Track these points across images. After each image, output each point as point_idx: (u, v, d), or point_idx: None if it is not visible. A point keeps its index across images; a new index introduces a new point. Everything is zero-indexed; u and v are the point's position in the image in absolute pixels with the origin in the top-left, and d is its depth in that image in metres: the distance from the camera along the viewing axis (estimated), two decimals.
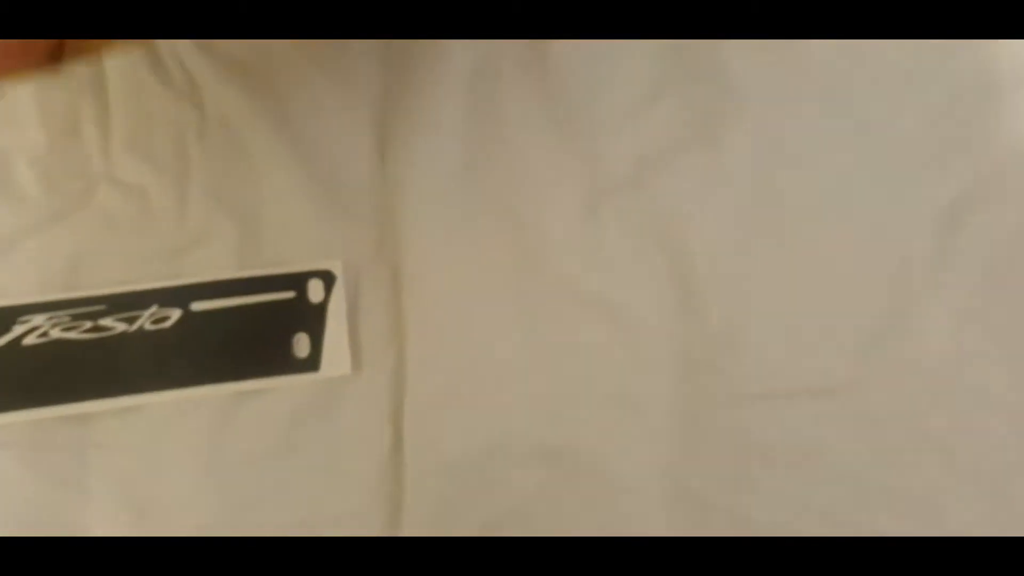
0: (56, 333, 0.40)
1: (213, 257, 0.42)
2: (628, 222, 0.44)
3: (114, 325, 0.40)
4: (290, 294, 0.42)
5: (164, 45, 0.45)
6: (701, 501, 0.40)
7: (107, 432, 0.40)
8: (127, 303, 0.41)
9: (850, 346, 0.42)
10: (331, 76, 0.45)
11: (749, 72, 0.45)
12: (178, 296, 0.41)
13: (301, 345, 0.40)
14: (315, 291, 0.42)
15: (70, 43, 0.34)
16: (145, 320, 0.41)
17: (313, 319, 0.41)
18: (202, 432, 0.40)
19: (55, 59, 0.35)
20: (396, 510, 0.40)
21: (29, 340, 0.40)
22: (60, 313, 0.41)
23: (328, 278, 0.42)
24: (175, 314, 0.41)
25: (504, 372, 0.42)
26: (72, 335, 0.40)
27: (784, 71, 0.45)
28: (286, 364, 0.40)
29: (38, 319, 0.40)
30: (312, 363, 0.40)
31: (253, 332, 0.41)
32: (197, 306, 0.41)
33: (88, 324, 0.40)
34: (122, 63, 0.44)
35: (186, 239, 0.43)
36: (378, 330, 0.42)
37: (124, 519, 0.39)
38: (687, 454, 0.41)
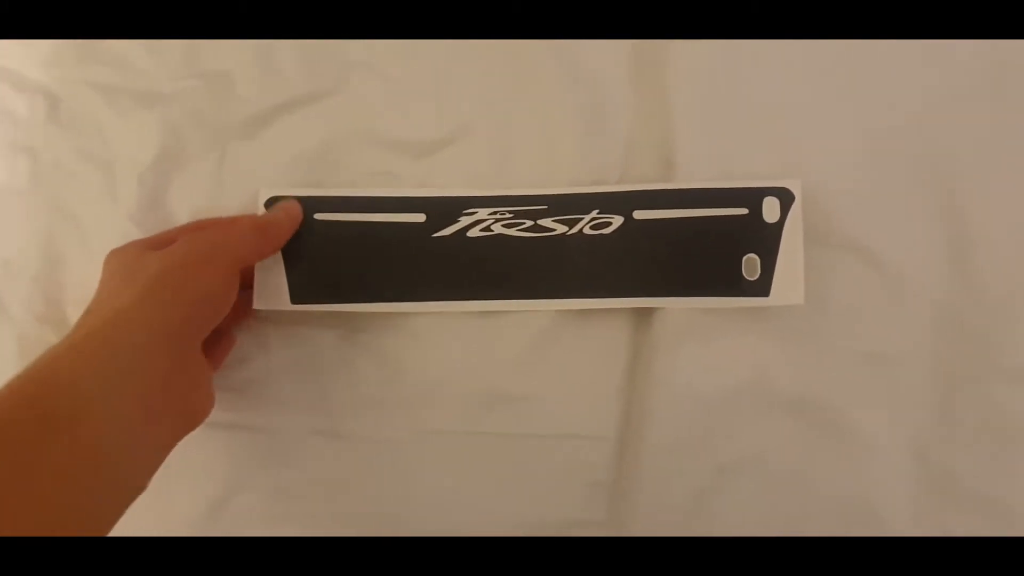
0: (498, 228, 0.40)
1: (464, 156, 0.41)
2: (904, 170, 0.39)
3: (554, 226, 0.40)
4: (743, 211, 0.38)
5: None
6: (952, 479, 0.39)
7: None
8: (568, 205, 0.39)
9: None
10: None
11: None
12: (621, 202, 0.39)
13: (751, 267, 0.38)
14: (770, 210, 0.38)
15: None
16: (585, 224, 0.39)
17: (766, 240, 0.38)
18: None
19: None
20: (634, 438, 0.40)
21: (473, 232, 0.40)
22: (503, 209, 0.40)
23: (786, 197, 0.38)
24: (616, 221, 0.39)
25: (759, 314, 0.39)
26: (513, 232, 0.40)
27: None
28: (734, 286, 0.38)
29: (483, 212, 0.40)
30: (762, 287, 0.38)
31: (699, 248, 0.38)
32: (640, 214, 0.39)
33: (529, 223, 0.40)
34: None
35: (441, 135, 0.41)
36: None
37: None
38: (943, 426, 0.39)
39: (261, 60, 0.42)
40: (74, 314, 0.43)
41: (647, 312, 0.40)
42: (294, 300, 0.40)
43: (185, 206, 0.42)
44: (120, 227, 0.42)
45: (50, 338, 0.43)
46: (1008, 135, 0.39)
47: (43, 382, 0.29)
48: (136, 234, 0.42)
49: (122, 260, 0.35)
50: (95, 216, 0.43)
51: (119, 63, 0.43)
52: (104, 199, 0.43)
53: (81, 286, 0.43)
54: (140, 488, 0.30)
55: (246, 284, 0.39)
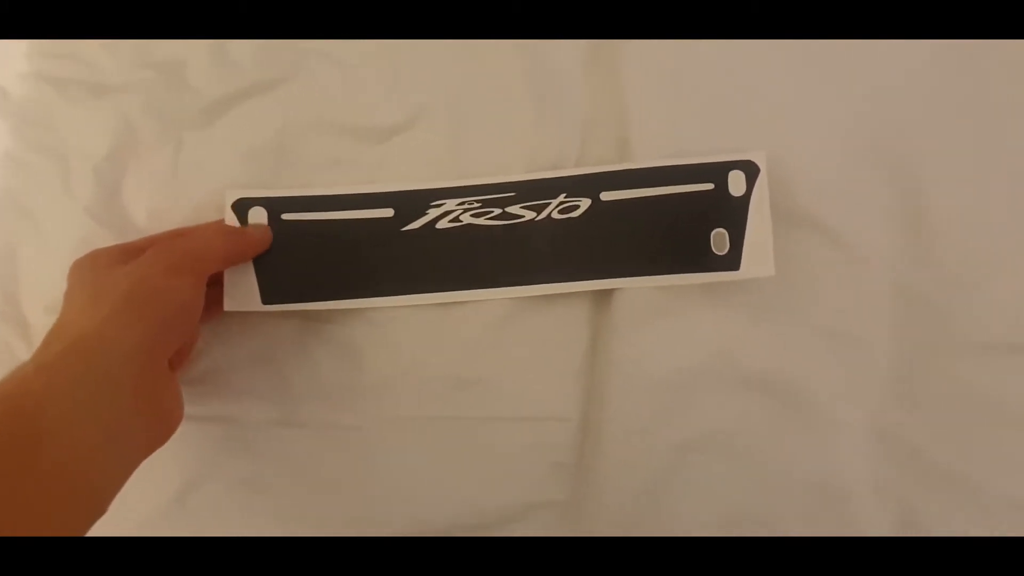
0: (467, 218, 0.40)
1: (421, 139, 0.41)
2: (862, 150, 0.39)
3: (522, 213, 0.40)
4: (708, 186, 0.38)
5: None
6: (913, 453, 0.39)
7: None
8: (535, 190, 0.39)
9: None
10: None
11: None
12: (587, 184, 0.39)
13: (720, 241, 0.38)
14: (736, 184, 0.38)
15: None
16: (553, 209, 0.39)
17: (734, 214, 0.38)
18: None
19: None
20: (596, 419, 0.40)
21: (442, 224, 0.40)
22: (471, 199, 0.40)
23: (751, 170, 0.38)
24: (584, 203, 0.39)
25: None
26: (482, 221, 0.40)
27: None
28: (704, 261, 0.38)
29: (450, 203, 0.40)
30: (732, 261, 0.38)
31: (668, 225, 0.38)
32: (607, 196, 0.39)
33: (497, 211, 0.40)
34: None
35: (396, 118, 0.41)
36: None
37: None
38: (903, 399, 0.39)
39: (215, 49, 0.42)
40: (29, 308, 0.42)
41: (606, 293, 0.40)
42: (265, 301, 0.40)
43: (141, 198, 0.42)
44: (76, 220, 0.42)
45: (5, 332, 0.42)
46: (964, 118, 0.39)
47: (10, 404, 0.28)
48: (93, 227, 0.41)
49: (88, 274, 0.35)
50: (50, 209, 0.42)
51: (70, 55, 0.42)
52: (59, 192, 0.42)
53: (37, 280, 0.42)
54: (101, 511, 0.30)
55: (213, 282, 0.38)
